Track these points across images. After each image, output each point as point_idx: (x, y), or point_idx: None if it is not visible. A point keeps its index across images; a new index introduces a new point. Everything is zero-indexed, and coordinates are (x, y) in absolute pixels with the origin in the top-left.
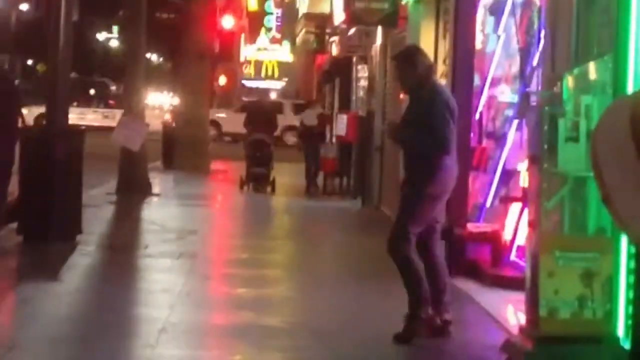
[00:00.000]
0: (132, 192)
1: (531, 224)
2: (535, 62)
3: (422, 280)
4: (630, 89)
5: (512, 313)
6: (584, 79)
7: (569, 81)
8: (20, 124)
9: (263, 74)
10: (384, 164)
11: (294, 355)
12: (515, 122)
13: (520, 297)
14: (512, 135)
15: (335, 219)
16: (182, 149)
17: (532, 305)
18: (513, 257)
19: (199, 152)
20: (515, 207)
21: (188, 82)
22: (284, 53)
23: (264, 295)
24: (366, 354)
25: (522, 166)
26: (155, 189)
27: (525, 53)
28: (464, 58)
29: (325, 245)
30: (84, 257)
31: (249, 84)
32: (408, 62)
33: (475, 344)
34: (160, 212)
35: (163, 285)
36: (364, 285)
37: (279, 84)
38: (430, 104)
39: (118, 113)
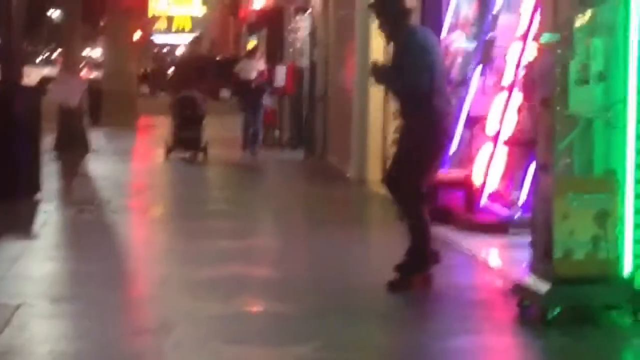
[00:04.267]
0: (72, 148)
1: (543, 167)
2: (496, 8)
3: (430, 237)
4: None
5: (497, 256)
6: (592, 21)
7: (577, 24)
8: None
9: (174, 29)
10: (328, 114)
11: (296, 305)
12: (478, 68)
13: (499, 241)
14: (475, 82)
15: (283, 171)
16: (109, 105)
17: (544, 248)
18: (484, 202)
19: (127, 108)
20: (483, 153)
21: (115, 38)
22: (196, 7)
23: (244, 246)
24: (365, 301)
25: (491, 111)
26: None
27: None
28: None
29: (284, 195)
30: (52, 214)
31: (158, 39)
32: (382, 7)
33: (470, 288)
34: (106, 167)
35: (142, 240)
36: (335, 231)
37: (189, 38)
38: (404, 45)
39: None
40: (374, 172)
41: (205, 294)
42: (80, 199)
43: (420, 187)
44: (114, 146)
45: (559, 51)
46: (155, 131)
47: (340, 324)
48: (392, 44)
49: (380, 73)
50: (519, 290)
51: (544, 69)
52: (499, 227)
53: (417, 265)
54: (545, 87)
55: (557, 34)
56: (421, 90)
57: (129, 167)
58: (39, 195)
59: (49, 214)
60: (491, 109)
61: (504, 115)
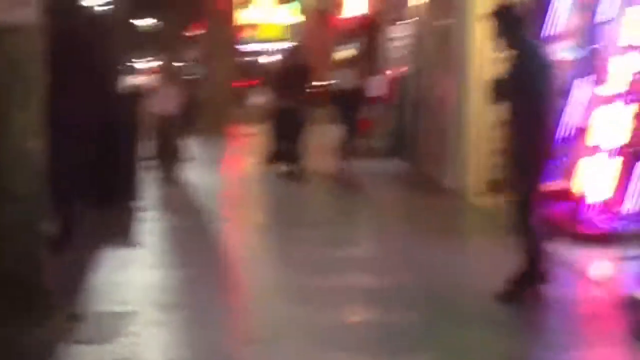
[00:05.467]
0: (170, 157)
1: None
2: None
3: (543, 251)
4: None
5: (606, 269)
6: None
7: None
8: None
9: (261, 37)
10: (427, 124)
11: (407, 314)
12: (584, 78)
13: (606, 253)
14: (580, 92)
15: (382, 181)
16: (205, 114)
17: None
18: (589, 214)
19: (222, 117)
20: (589, 163)
21: (212, 47)
22: (289, 14)
23: (347, 256)
24: (474, 311)
25: (597, 122)
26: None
27: (589, 8)
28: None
29: (384, 205)
30: (153, 222)
31: (246, 47)
32: (502, 16)
33: (580, 301)
34: (203, 177)
35: (245, 248)
36: (438, 242)
37: (280, 46)
38: (527, 59)
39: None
40: (473, 183)
41: (314, 302)
42: (182, 208)
43: (533, 199)
44: (209, 155)
45: None
46: (247, 140)
47: (452, 334)
48: (510, 54)
49: (503, 90)
50: (634, 305)
51: None
52: (605, 239)
53: (529, 278)
54: None
55: None
56: (541, 107)
57: (225, 177)
58: (138, 203)
59: (150, 222)
60: (596, 119)
61: (613, 126)
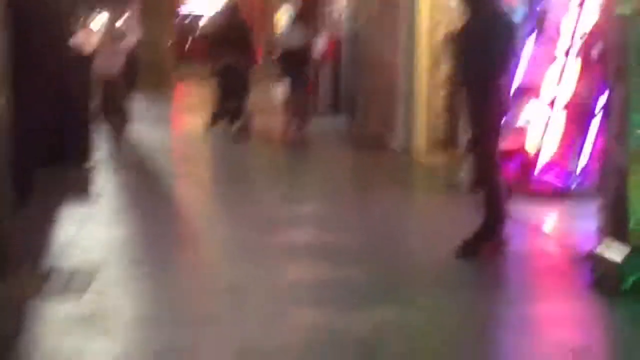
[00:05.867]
0: (115, 115)
1: (617, 138)
2: None
3: (504, 204)
4: None
5: (560, 225)
6: None
7: None
8: None
9: None
10: (369, 84)
11: (366, 270)
12: (531, 37)
13: (558, 210)
14: (527, 51)
15: (329, 139)
16: (145, 73)
17: (616, 217)
18: (539, 171)
19: (163, 76)
20: (537, 122)
21: (152, 8)
22: None
23: (300, 213)
24: (430, 266)
25: (545, 80)
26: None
27: None
28: None
29: (333, 163)
30: (106, 179)
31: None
32: None
33: (538, 256)
34: (150, 134)
35: (199, 204)
36: (389, 200)
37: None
38: (491, 22)
39: None
40: (421, 142)
41: (269, 259)
42: (129, 163)
43: (496, 155)
44: (154, 114)
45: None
46: (190, 100)
47: (409, 290)
48: (469, 14)
49: (463, 46)
50: (592, 259)
51: (619, 39)
52: (556, 196)
53: (489, 233)
54: (620, 57)
55: (634, 4)
56: (501, 64)
57: (171, 135)
58: (91, 161)
59: (104, 180)
60: (545, 77)
61: (559, 83)
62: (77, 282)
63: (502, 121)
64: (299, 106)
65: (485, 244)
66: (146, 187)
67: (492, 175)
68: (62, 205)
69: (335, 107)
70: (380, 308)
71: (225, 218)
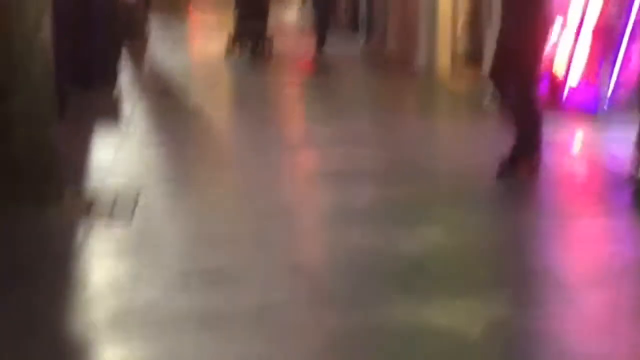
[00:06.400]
0: (134, 38)
1: None
2: None
3: (541, 124)
4: None
5: (596, 146)
6: None
7: None
8: None
9: None
10: (388, 1)
11: (407, 190)
12: None
13: (588, 131)
14: None
15: (349, 59)
16: None
17: None
18: (568, 93)
19: None
20: (566, 43)
21: None
22: None
23: (338, 133)
24: (464, 186)
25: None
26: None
27: None
28: None
29: (358, 84)
30: (134, 102)
31: None
32: None
33: (577, 176)
34: (169, 58)
35: (230, 126)
36: (421, 121)
37: None
38: None
39: None
40: (444, 60)
41: (311, 179)
42: (153, 88)
43: (536, 73)
44: (170, 39)
45: None
46: (206, 24)
47: (453, 209)
48: None
49: None
50: (633, 180)
51: None
52: (585, 118)
53: (526, 152)
54: None
55: None
56: None
57: (190, 59)
58: (117, 85)
59: (130, 104)
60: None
61: (587, 5)
62: (122, 205)
63: (545, 37)
64: (321, 25)
65: (522, 163)
66: (173, 111)
67: (531, 93)
68: (95, 129)
69: (353, 25)
70: (425, 228)
71: (256, 140)
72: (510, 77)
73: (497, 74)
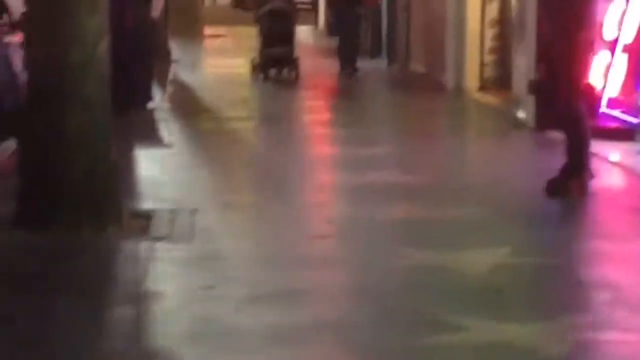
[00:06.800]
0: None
1: None
2: None
3: (588, 142)
4: None
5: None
6: None
7: None
8: None
9: None
10: (412, 23)
11: (466, 211)
12: None
13: (628, 147)
14: None
15: (375, 80)
16: (176, 16)
17: None
18: (605, 108)
19: (192, 19)
20: (602, 58)
21: None
22: None
23: (373, 154)
24: (521, 206)
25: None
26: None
27: None
28: None
29: (389, 105)
30: (170, 122)
31: None
32: None
33: (622, 193)
34: (196, 78)
35: (272, 147)
36: (458, 139)
37: None
38: None
39: None
40: (472, 81)
41: (360, 199)
42: (193, 108)
43: (578, 85)
44: (192, 57)
45: None
46: (221, 41)
47: (510, 229)
48: None
49: None
50: None
51: None
52: (623, 134)
53: (577, 170)
54: None
55: None
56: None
57: (217, 78)
58: (152, 104)
59: (166, 123)
60: (608, 14)
61: (622, 20)
62: (180, 225)
63: (590, 50)
64: (350, 48)
65: (573, 182)
66: (209, 131)
67: (578, 109)
68: (139, 151)
69: (375, 49)
70: (492, 248)
71: (297, 160)
72: (557, 92)
73: (543, 89)
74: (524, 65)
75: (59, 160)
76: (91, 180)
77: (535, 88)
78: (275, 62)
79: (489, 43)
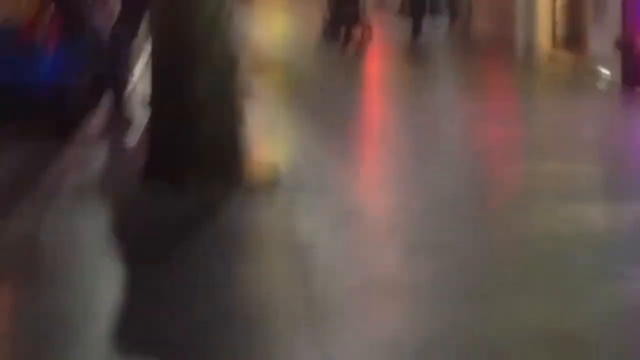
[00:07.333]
0: None
1: None
2: None
3: None
4: None
5: None
6: None
7: None
8: None
9: None
10: None
11: (609, 166)
12: None
13: None
14: None
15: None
16: None
17: None
18: None
19: None
20: None
21: None
22: None
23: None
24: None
25: None
26: None
27: None
28: None
29: (473, 70)
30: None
31: None
32: None
33: None
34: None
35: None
36: (552, 98)
37: None
38: None
39: None
40: (544, 42)
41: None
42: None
43: None
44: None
45: None
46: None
47: None
48: None
49: None
50: None
51: None
52: None
53: None
54: None
55: None
56: None
57: (288, 43)
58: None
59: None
60: None
61: None
62: (308, 178)
63: None
64: (416, 12)
65: None
66: (291, 95)
67: None
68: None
69: (436, 5)
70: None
71: (392, 123)
72: None
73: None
74: (607, 22)
75: (187, 119)
76: (221, 137)
77: (624, 44)
78: (345, 21)
79: (560, 5)
